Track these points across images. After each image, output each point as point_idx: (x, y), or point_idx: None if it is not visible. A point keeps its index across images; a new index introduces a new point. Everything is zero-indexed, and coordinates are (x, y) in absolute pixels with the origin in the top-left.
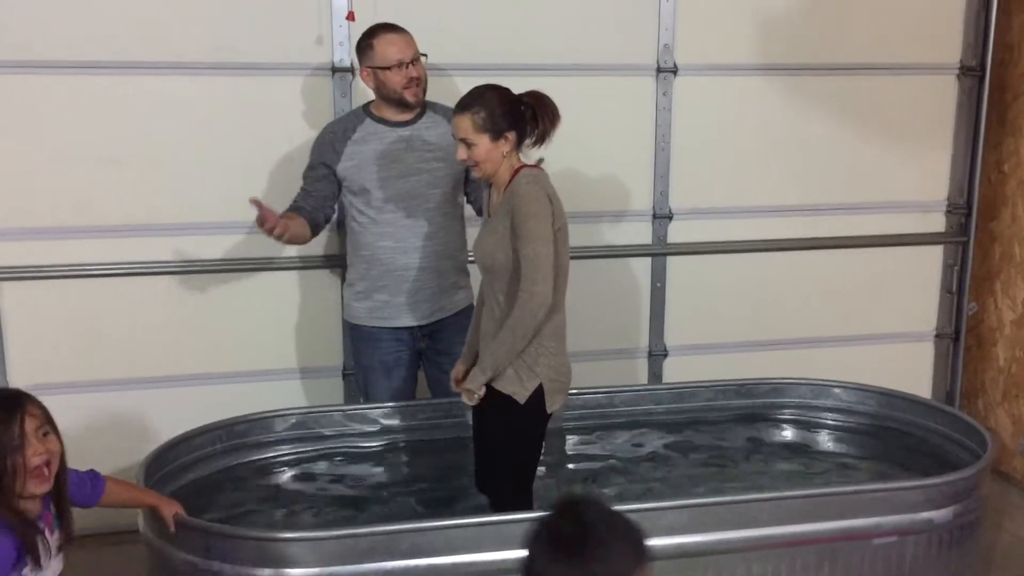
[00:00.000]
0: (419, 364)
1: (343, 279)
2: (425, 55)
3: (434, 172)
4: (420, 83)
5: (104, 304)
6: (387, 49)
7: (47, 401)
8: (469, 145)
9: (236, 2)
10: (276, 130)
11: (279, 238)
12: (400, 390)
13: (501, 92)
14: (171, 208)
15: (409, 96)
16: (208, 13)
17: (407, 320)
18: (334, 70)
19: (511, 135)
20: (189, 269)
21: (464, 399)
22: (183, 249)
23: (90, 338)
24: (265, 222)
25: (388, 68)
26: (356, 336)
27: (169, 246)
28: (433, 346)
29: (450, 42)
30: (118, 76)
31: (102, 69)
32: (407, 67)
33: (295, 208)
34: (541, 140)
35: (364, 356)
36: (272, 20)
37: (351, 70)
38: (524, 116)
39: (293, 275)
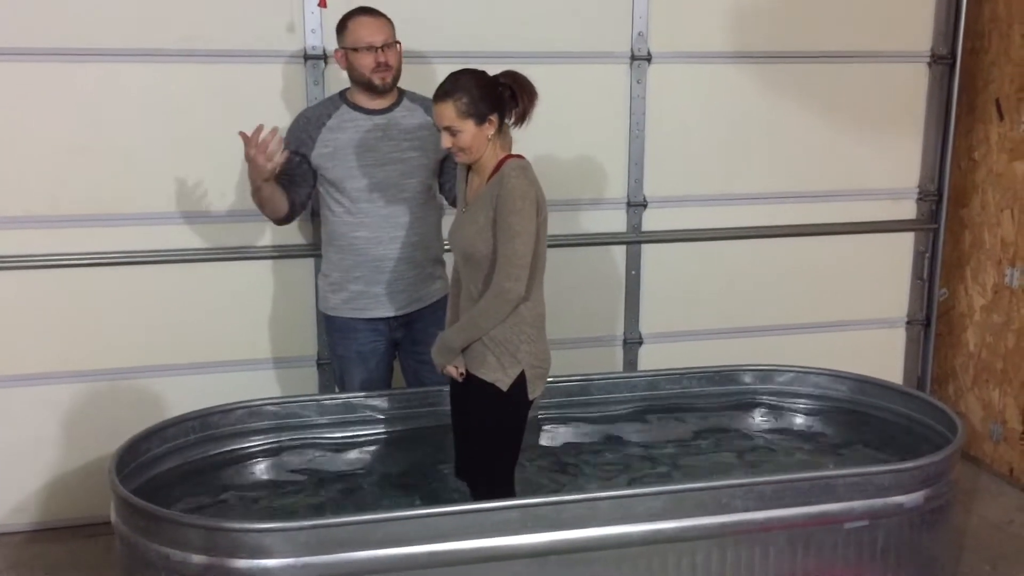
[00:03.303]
0: (395, 354)
1: (317, 269)
2: (399, 43)
3: (410, 161)
4: (390, 70)
5: (74, 294)
6: (359, 31)
7: (18, 393)
8: (454, 132)
9: None
10: (248, 118)
11: (267, 163)
12: (376, 380)
13: (478, 75)
14: (142, 197)
15: (376, 80)
16: (178, 0)
17: (383, 311)
18: (306, 57)
19: (494, 117)
20: (160, 259)
21: (448, 371)
22: (154, 238)
23: (61, 329)
24: (250, 142)
25: (357, 50)
26: (331, 327)
27: (140, 235)
28: (409, 336)
29: (424, 30)
30: (87, 64)
31: (71, 57)
32: (377, 51)
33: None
34: (521, 119)
35: (339, 347)
36: (243, 7)
37: (323, 57)
38: (503, 96)
39: (267, 264)
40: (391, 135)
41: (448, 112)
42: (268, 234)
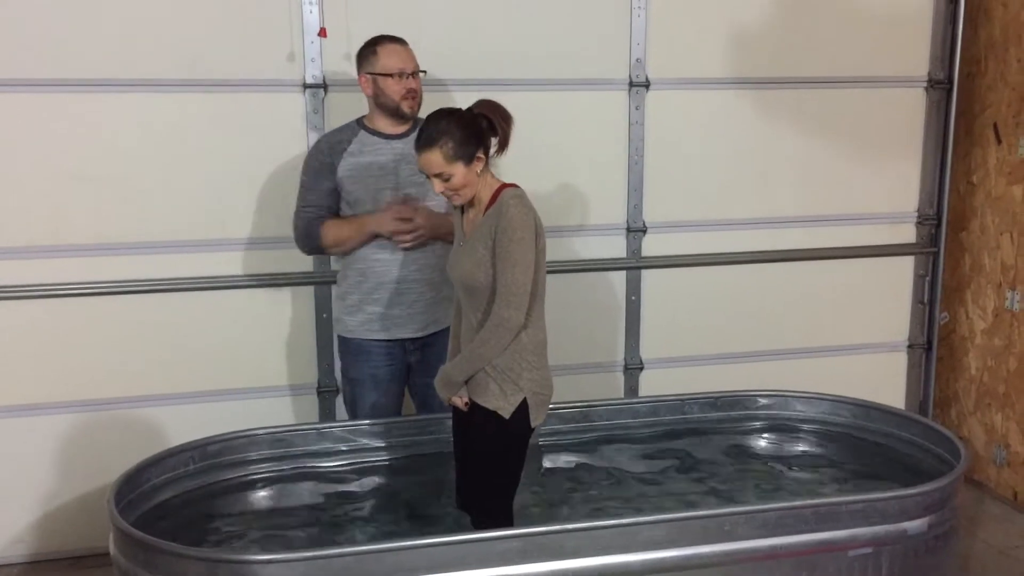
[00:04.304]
0: (407, 379)
1: (316, 296)
2: (424, 71)
3: (428, 185)
4: (416, 96)
5: (74, 324)
6: (390, 58)
7: (18, 423)
8: (446, 178)
9: (208, 19)
10: (248, 147)
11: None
12: (387, 405)
13: (456, 116)
14: (143, 227)
15: (405, 107)
16: (180, 30)
17: (400, 332)
18: (306, 86)
19: (480, 152)
20: (161, 288)
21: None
22: (153, 268)
23: (61, 358)
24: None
25: (389, 76)
26: (346, 349)
27: (139, 265)
28: (423, 360)
29: (423, 58)
30: (89, 94)
31: (74, 87)
32: (407, 78)
33: (321, 218)
34: (503, 145)
35: (353, 369)
36: (244, 37)
37: (323, 86)
38: (483, 128)
39: (266, 293)
40: (409, 159)
41: (436, 160)
42: (267, 263)
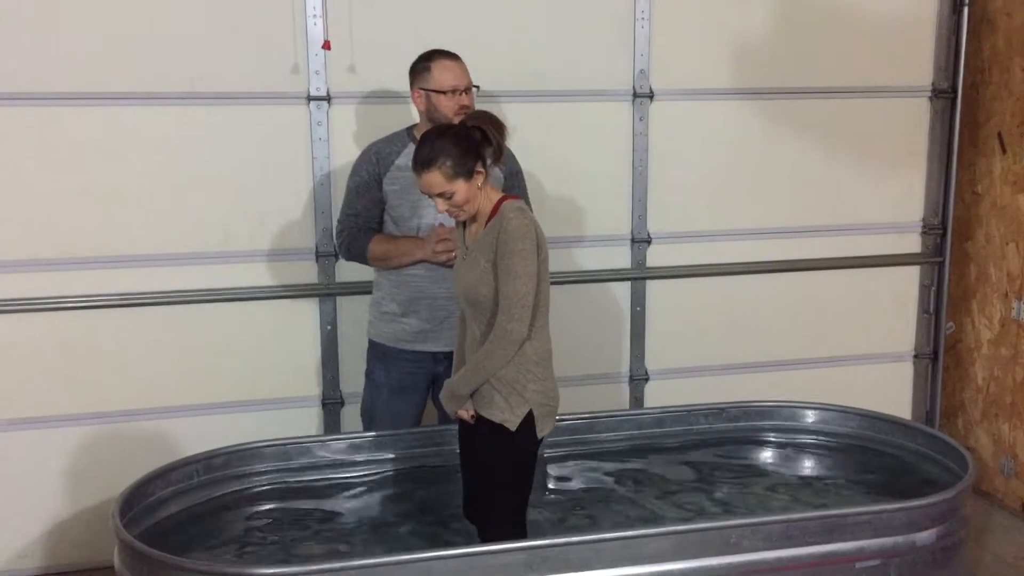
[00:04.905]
0: (431, 389)
1: (321, 308)
2: (478, 87)
3: None
4: (468, 112)
5: (77, 337)
6: (444, 74)
7: (22, 437)
8: (448, 196)
9: (211, 32)
10: (252, 159)
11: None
12: (404, 413)
13: (450, 132)
14: (147, 239)
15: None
16: (183, 43)
17: (432, 346)
18: (310, 98)
19: (480, 166)
20: (164, 300)
21: (459, 415)
22: (156, 280)
23: (64, 372)
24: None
25: (443, 92)
26: (375, 353)
27: (142, 278)
28: (449, 372)
29: None
30: (93, 107)
31: (77, 100)
32: (460, 94)
33: (369, 229)
34: (499, 155)
35: (379, 374)
36: (248, 49)
37: (327, 99)
38: (479, 142)
39: (270, 305)
40: None
41: (436, 180)
42: (271, 275)
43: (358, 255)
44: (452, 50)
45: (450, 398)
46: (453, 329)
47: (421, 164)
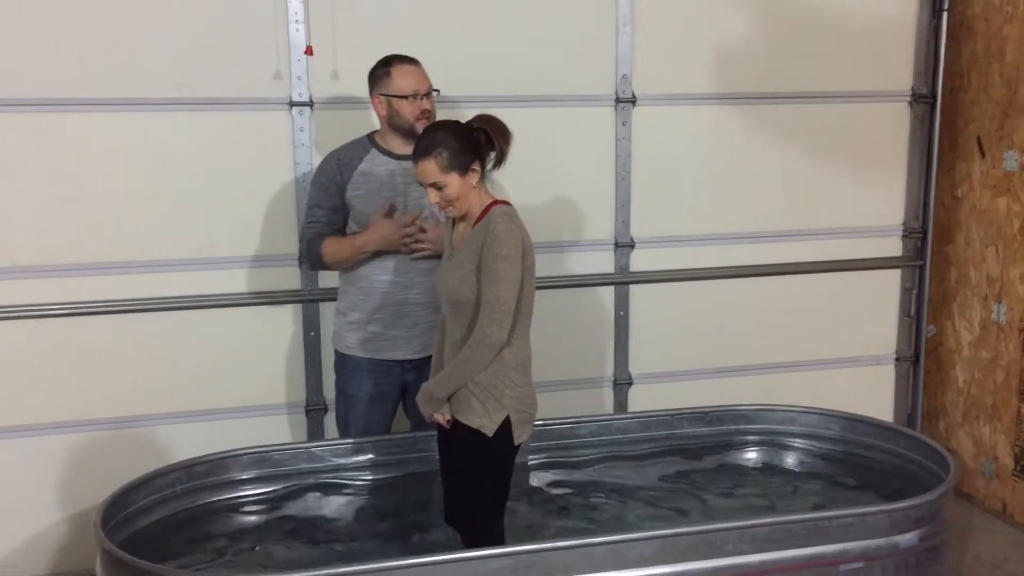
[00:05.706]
0: (401, 397)
1: (304, 315)
2: (438, 90)
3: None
4: (430, 116)
5: (62, 344)
6: (404, 79)
7: (6, 444)
8: (440, 187)
9: (194, 38)
10: (235, 165)
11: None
12: (379, 423)
13: (453, 127)
14: (129, 245)
15: (419, 127)
16: (166, 48)
17: (399, 353)
18: (292, 104)
19: (476, 165)
20: (147, 307)
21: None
22: (141, 287)
23: (48, 379)
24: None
25: (403, 98)
26: (343, 365)
27: (126, 284)
28: (420, 380)
29: None
30: (75, 113)
31: (59, 106)
32: (421, 99)
33: (324, 234)
34: (500, 161)
35: (349, 385)
36: (230, 55)
37: (310, 104)
38: (481, 142)
39: (253, 311)
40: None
41: (431, 169)
42: (254, 281)
43: (317, 261)
44: (436, 56)
45: (427, 401)
46: (421, 337)
47: (420, 152)
